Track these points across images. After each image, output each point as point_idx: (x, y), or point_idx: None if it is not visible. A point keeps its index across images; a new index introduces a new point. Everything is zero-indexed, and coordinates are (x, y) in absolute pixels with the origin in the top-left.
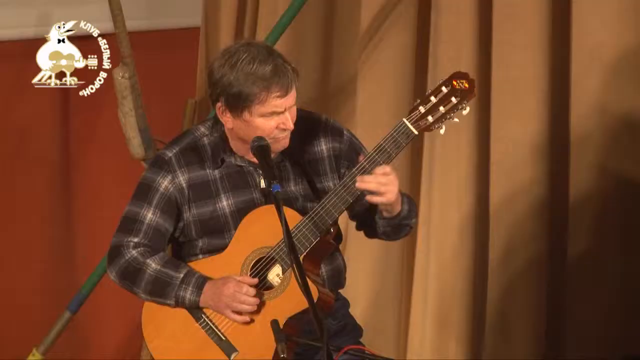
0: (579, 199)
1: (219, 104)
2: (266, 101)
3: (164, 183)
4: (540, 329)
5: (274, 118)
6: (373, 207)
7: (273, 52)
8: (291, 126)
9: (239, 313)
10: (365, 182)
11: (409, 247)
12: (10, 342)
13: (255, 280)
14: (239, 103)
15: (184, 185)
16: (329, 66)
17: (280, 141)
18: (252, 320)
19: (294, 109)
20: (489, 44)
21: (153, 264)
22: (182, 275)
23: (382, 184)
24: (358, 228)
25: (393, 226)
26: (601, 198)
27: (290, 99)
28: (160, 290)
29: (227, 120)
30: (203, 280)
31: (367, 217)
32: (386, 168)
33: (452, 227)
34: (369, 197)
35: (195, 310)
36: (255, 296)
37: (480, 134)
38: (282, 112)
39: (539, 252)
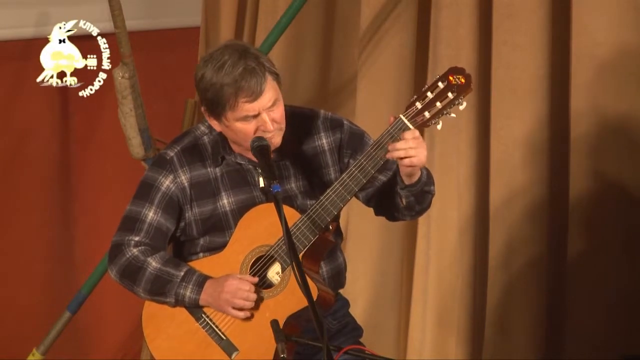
0: (579, 198)
1: (202, 108)
2: (236, 106)
3: (166, 182)
4: (540, 329)
5: (251, 122)
6: (391, 182)
7: (247, 53)
8: (271, 128)
9: (240, 310)
10: (396, 150)
11: (409, 247)
12: (10, 342)
13: (256, 279)
14: (215, 108)
15: (186, 184)
16: (329, 66)
17: (270, 140)
18: (252, 319)
19: (277, 110)
20: (489, 44)
21: (154, 263)
22: (182, 274)
23: (412, 150)
24: (377, 212)
25: (416, 194)
26: (601, 198)
27: (263, 101)
28: (160, 289)
29: (214, 123)
30: (203, 278)
31: (384, 195)
32: (416, 133)
33: (452, 227)
34: (402, 161)
35: (196, 309)
36: (255, 293)
37: (480, 134)
38: (257, 115)
39: (538, 252)
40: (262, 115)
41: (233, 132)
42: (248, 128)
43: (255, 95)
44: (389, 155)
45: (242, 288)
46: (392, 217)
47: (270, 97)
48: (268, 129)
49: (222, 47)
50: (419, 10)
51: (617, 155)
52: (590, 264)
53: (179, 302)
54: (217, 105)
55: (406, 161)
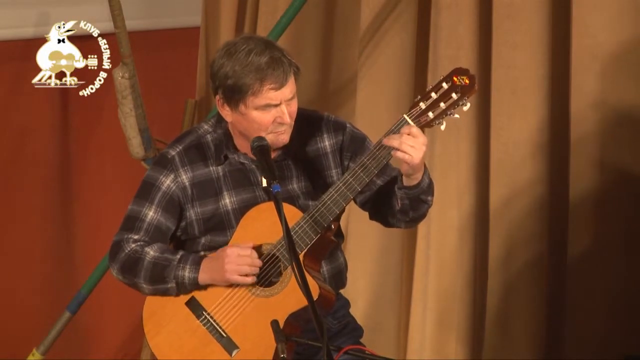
0: (579, 198)
1: (217, 97)
2: (260, 93)
3: (167, 182)
4: (540, 329)
5: (270, 111)
6: (388, 187)
7: (271, 45)
8: (288, 120)
9: (247, 275)
10: (390, 140)
11: (409, 247)
12: (10, 342)
13: (252, 244)
14: (234, 95)
15: (187, 184)
16: (329, 66)
17: (279, 136)
18: (253, 318)
19: (293, 104)
20: (489, 44)
21: (151, 252)
22: (178, 257)
23: (407, 144)
24: (372, 216)
25: (412, 199)
26: (601, 197)
27: (286, 92)
28: (159, 275)
29: (227, 113)
30: (200, 257)
31: (380, 199)
32: (412, 129)
33: (452, 227)
34: (394, 153)
35: (196, 307)
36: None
37: (480, 134)
38: (278, 105)
39: (539, 251)
40: (281, 106)
41: (248, 122)
42: (266, 118)
43: (281, 83)
44: (385, 141)
45: (244, 254)
46: (386, 222)
47: (291, 90)
48: (285, 120)
49: (245, 38)
50: (419, 10)
51: (617, 155)
52: (590, 264)
53: (179, 286)
54: (238, 91)
55: (399, 154)
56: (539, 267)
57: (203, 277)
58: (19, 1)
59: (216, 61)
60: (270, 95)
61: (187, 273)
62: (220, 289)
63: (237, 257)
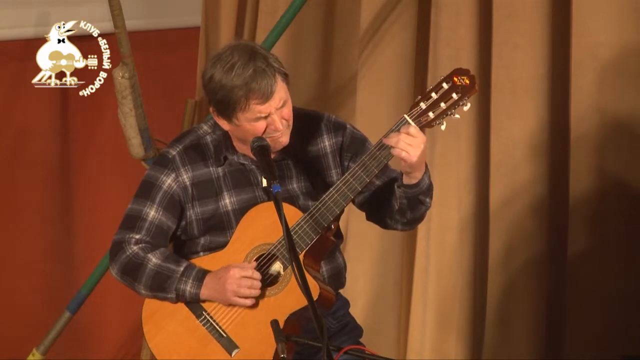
0: (579, 198)
1: (211, 108)
2: (247, 108)
3: (168, 181)
4: (541, 329)
5: (261, 121)
6: (387, 187)
7: (256, 54)
8: (280, 127)
9: (247, 298)
10: (388, 138)
11: (409, 247)
12: (10, 342)
13: (254, 264)
14: (225, 109)
15: (188, 183)
16: (329, 66)
17: (277, 139)
18: (253, 317)
19: (286, 109)
20: (489, 44)
21: (154, 259)
22: (182, 269)
23: (405, 142)
24: (369, 217)
25: (410, 198)
26: (601, 197)
27: (275, 102)
28: (160, 285)
29: (223, 123)
30: (203, 273)
31: (379, 200)
32: (410, 128)
33: (452, 227)
34: (393, 151)
35: (196, 307)
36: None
37: (480, 134)
38: (268, 116)
39: (538, 251)
40: (272, 115)
41: (243, 132)
42: (258, 127)
43: (267, 97)
44: (384, 140)
45: (246, 276)
46: (384, 224)
47: (280, 98)
48: (278, 128)
49: (230, 48)
50: (419, 10)
51: (617, 155)
52: (590, 264)
53: (180, 298)
54: (227, 106)
55: (397, 152)
56: (538, 266)
57: (204, 294)
58: (19, 1)
59: (205, 73)
60: (258, 109)
61: (189, 287)
62: None
63: (239, 279)
